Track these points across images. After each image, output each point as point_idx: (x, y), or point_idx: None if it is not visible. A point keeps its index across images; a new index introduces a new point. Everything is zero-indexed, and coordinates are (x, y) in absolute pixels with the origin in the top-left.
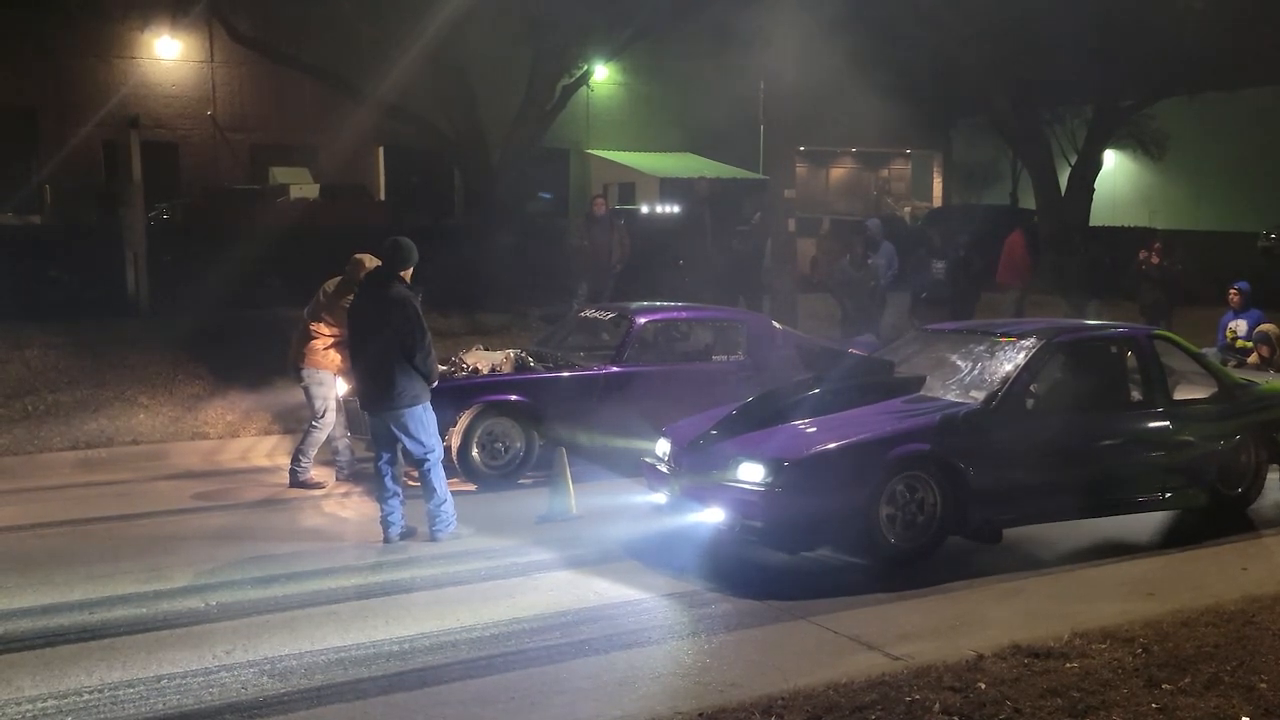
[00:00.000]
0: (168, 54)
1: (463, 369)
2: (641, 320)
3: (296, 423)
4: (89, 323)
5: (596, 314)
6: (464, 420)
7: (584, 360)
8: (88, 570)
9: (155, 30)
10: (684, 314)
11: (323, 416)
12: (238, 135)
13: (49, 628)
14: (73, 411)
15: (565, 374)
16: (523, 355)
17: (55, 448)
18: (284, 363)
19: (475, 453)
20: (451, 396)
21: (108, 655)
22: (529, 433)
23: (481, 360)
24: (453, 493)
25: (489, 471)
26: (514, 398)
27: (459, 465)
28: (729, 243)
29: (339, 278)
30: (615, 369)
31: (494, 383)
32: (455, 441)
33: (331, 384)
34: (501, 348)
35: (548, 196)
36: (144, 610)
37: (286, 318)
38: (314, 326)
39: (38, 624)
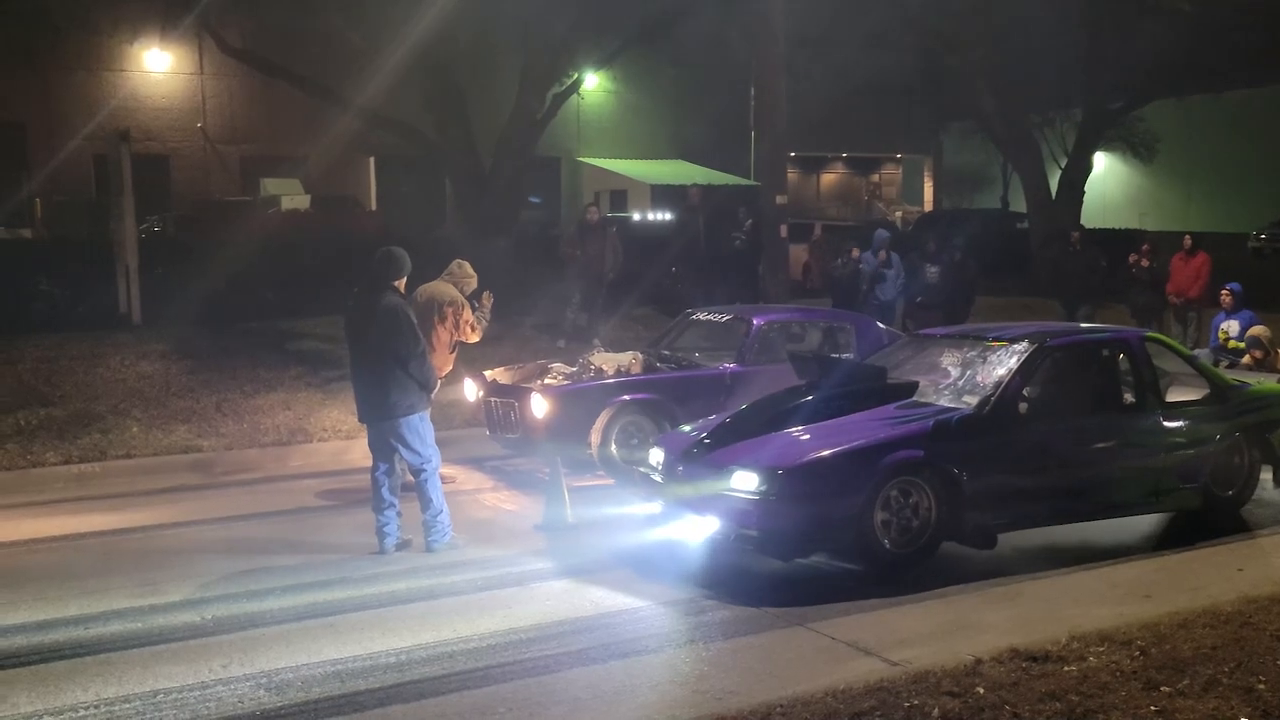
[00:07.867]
0: (158, 67)
1: (590, 370)
2: (759, 321)
3: (289, 434)
4: (81, 336)
5: (710, 317)
6: (604, 418)
7: (705, 360)
8: (82, 585)
9: (145, 43)
10: (796, 315)
11: None
12: (228, 147)
13: (44, 644)
14: (66, 426)
15: (693, 373)
16: (649, 357)
17: (49, 462)
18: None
19: (614, 448)
20: (592, 396)
21: (103, 670)
22: (661, 428)
23: (607, 362)
24: (591, 486)
25: (625, 466)
26: (648, 396)
27: (599, 460)
28: (725, 248)
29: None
30: (737, 368)
31: (632, 382)
32: (596, 439)
33: None
34: (496, 358)
35: (537, 200)
36: (139, 625)
37: (279, 328)
38: None
39: (33, 640)
